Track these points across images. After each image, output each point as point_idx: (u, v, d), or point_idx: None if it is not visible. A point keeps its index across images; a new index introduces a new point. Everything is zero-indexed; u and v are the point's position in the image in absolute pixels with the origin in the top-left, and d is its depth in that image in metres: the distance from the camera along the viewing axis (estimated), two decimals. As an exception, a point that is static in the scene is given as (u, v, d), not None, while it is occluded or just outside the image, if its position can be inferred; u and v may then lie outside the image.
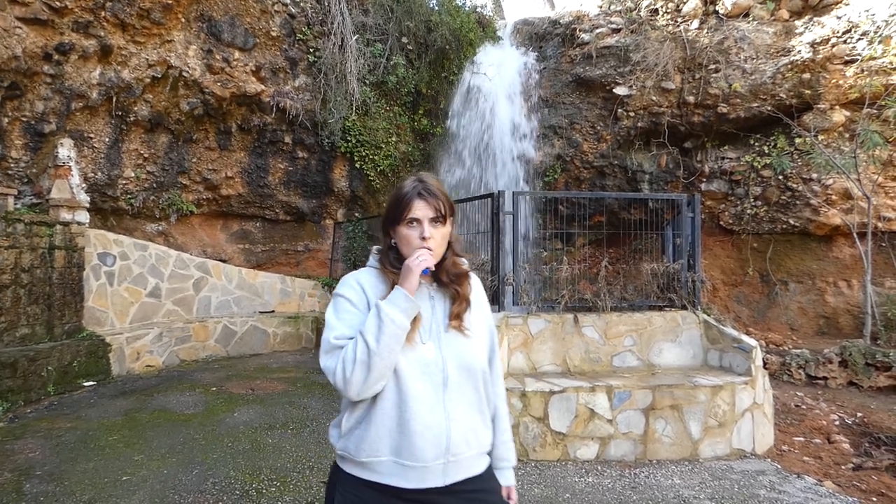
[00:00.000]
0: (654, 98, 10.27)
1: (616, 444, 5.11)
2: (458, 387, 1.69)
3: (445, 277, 1.79)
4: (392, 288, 1.67)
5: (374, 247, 1.90)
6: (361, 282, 1.76)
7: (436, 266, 1.74)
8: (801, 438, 5.95)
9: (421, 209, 1.69)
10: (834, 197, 9.31)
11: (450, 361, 1.69)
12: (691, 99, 10.02)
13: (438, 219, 1.71)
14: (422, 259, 1.64)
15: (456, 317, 1.75)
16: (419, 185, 1.72)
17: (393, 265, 1.76)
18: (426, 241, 1.67)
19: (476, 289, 1.89)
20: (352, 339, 1.62)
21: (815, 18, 9.20)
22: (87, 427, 5.61)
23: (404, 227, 1.70)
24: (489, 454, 1.83)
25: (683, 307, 6.34)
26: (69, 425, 5.65)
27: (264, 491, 4.25)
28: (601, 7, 11.64)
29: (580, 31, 11.05)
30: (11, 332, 6.47)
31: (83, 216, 7.82)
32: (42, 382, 6.53)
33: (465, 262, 1.87)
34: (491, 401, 1.84)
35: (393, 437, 1.62)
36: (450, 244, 1.79)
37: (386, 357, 1.57)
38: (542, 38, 12.10)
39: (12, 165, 7.77)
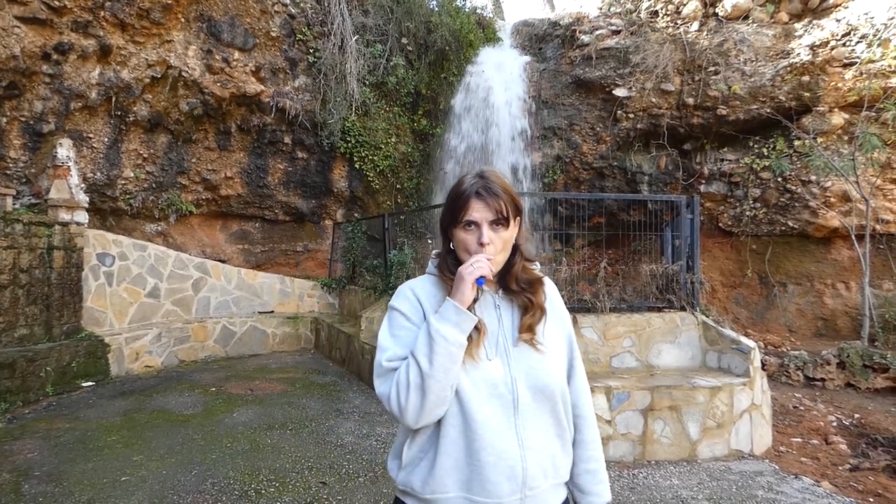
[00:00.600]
0: (653, 100, 10.28)
1: (615, 444, 5.12)
2: (531, 409, 1.50)
3: (515, 285, 1.61)
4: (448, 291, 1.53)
5: (434, 251, 1.73)
6: (417, 291, 1.61)
7: (502, 272, 1.61)
8: (799, 439, 5.96)
9: (479, 211, 1.51)
10: (832, 199, 9.33)
11: (520, 380, 1.50)
12: (691, 101, 10.04)
13: (500, 221, 1.53)
14: (477, 266, 1.47)
15: (527, 329, 1.56)
16: (478, 183, 1.54)
17: (451, 271, 1.57)
18: (484, 248, 1.50)
19: (552, 296, 1.71)
20: (405, 359, 1.48)
21: (815, 21, 9.22)
22: (86, 428, 5.61)
23: (461, 231, 1.54)
24: (567, 484, 1.64)
25: (682, 308, 6.35)
26: (68, 426, 5.65)
27: (263, 491, 4.25)
28: (601, 9, 11.65)
29: (580, 32, 11.06)
30: (10, 332, 6.46)
31: (82, 216, 7.82)
32: (41, 383, 6.52)
33: (537, 266, 1.71)
34: (571, 422, 1.63)
35: (461, 470, 1.44)
36: (517, 248, 1.62)
37: (441, 379, 1.41)
38: (541, 39, 12.12)
39: (11, 165, 7.77)
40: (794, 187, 9.60)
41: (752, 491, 4.45)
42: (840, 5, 8.98)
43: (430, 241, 9.30)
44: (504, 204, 1.52)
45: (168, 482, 4.37)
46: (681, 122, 10.33)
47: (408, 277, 8.33)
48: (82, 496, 4.10)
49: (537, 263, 1.73)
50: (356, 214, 11.60)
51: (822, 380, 7.86)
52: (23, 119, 7.67)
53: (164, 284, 9.16)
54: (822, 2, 9.16)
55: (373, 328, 8.19)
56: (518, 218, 1.60)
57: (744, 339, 5.87)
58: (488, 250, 1.50)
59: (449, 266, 1.60)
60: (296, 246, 11.80)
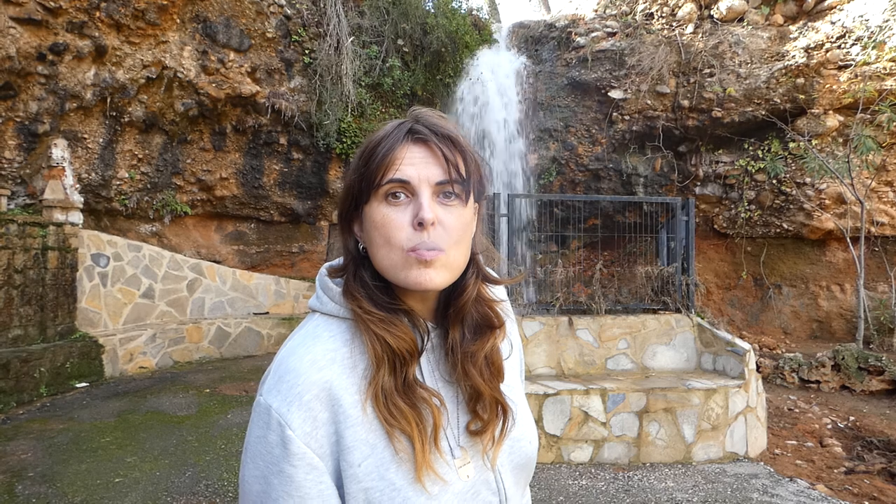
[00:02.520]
0: (648, 102, 10.30)
1: (610, 446, 5.12)
2: (515, 498, 0.97)
3: (463, 322, 0.93)
4: (380, 374, 0.84)
5: (323, 268, 0.99)
6: (334, 391, 0.83)
7: (446, 295, 0.93)
8: (794, 442, 5.97)
9: (415, 164, 0.84)
10: (827, 201, 9.36)
11: (504, 469, 0.94)
12: (686, 103, 10.06)
13: (452, 186, 0.85)
14: (426, 261, 0.82)
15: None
16: (408, 123, 0.89)
17: (375, 300, 0.88)
18: (425, 231, 0.82)
19: (510, 326, 1.07)
20: None
21: (810, 23, 9.26)
22: (80, 429, 5.59)
23: (380, 206, 0.85)
24: None
25: (677, 310, 6.36)
26: (62, 427, 5.63)
27: (257, 493, 4.23)
28: (597, 11, 11.68)
29: (576, 34, 11.08)
30: (4, 333, 6.44)
31: (77, 217, 7.80)
32: (34, 384, 6.49)
33: (493, 289, 1.02)
34: None
35: None
36: (472, 257, 0.93)
37: None
38: (537, 41, 12.13)
39: (5, 166, 7.74)
40: (788, 189, 9.63)
41: (747, 494, 4.46)
42: (835, 8, 9.02)
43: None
44: (461, 158, 0.87)
45: (162, 484, 4.36)
46: (676, 124, 10.35)
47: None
48: (76, 497, 4.09)
49: (502, 288, 1.08)
50: (352, 215, 11.57)
51: (817, 382, 7.89)
52: (17, 119, 7.65)
53: (158, 285, 9.13)
54: (816, 4, 9.20)
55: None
56: (478, 203, 0.94)
57: (739, 341, 5.88)
58: (433, 235, 0.82)
59: (369, 291, 0.89)
60: (291, 247, 11.78)
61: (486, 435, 0.91)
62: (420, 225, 0.81)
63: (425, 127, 0.87)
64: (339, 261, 0.98)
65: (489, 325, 0.95)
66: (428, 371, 0.91)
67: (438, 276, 0.83)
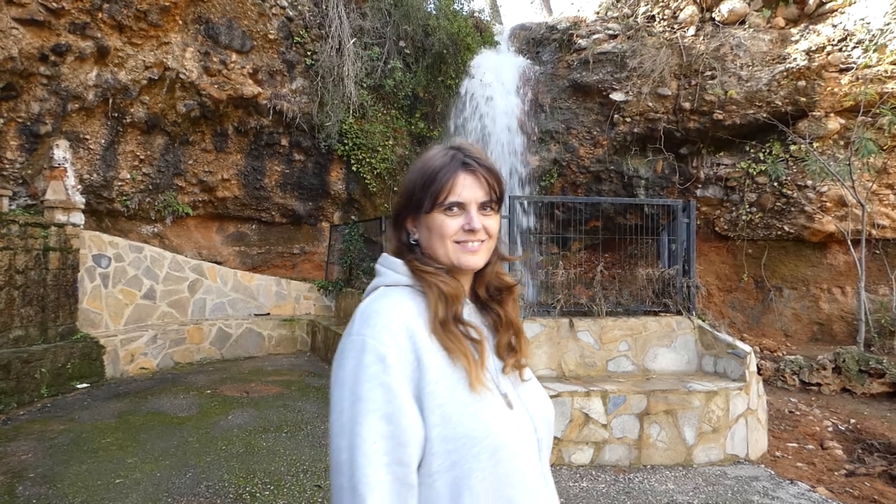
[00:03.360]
0: (650, 104, 10.30)
1: (610, 448, 5.12)
2: (547, 453, 1.25)
3: (485, 293, 1.30)
4: (438, 308, 1.14)
5: (381, 256, 1.30)
6: (410, 325, 1.10)
7: (475, 275, 1.28)
8: (795, 444, 5.97)
9: (468, 188, 1.19)
10: (828, 204, 9.36)
11: (535, 416, 1.20)
12: (687, 105, 10.06)
13: (490, 204, 1.22)
14: (473, 251, 1.19)
15: (509, 350, 1.25)
16: (459, 154, 1.21)
17: (428, 265, 1.21)
18: (473, 235, 1.19)
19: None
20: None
21: (811, 26, 9.26)
22: (81, 429, 5.59)
23: (439, 215, 1.19)
24: None
25: (678, 312, 6.36)
26: (62, 427, 5.63)
27: (258, 494, 4.24)
28: (598, 13, 11.69)
29: (577, 36, 11.08)
30: (5, 333, 6.44)
31: (78, 218, 7.81)
32: (35, 384, 6.50)
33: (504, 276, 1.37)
34: None
35: None
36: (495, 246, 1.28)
37: None
38: (539, 43, 12.14)
39: (7, 166, 7.75)
40: (790, 192, 9.63)
41: (748, 496, 4.45)
42: (836, 11, 9.02)
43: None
44: (496, 181, 1.23)
45: (162, 485, 4.36)
46: (677, 126, 10.35)
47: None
48: (76, 498, 4.09)
49: (516, 274, 1.45)
50: (353, 217, 11.60)
51: (818, 384, 7.88)
52: (20, 120, 7.66)
53: (159, 286, 9.14)
54: (818, 7, 9.21)
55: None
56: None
57: (739, 344, 5.88)
58: (478, 235, 1.20)
59: (421, 260, 1.23)
60: (292, 248, 11.79)
61: (514, 361, 1.23)
62: (470, 231, 1.18)
63: (473, 160, 1.20)
64: (382, 255, 1.30)
65: (506, 286, 1.32)
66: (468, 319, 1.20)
67: (480, 260, 1.21)
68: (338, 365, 1.06)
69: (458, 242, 1.19)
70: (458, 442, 1.04)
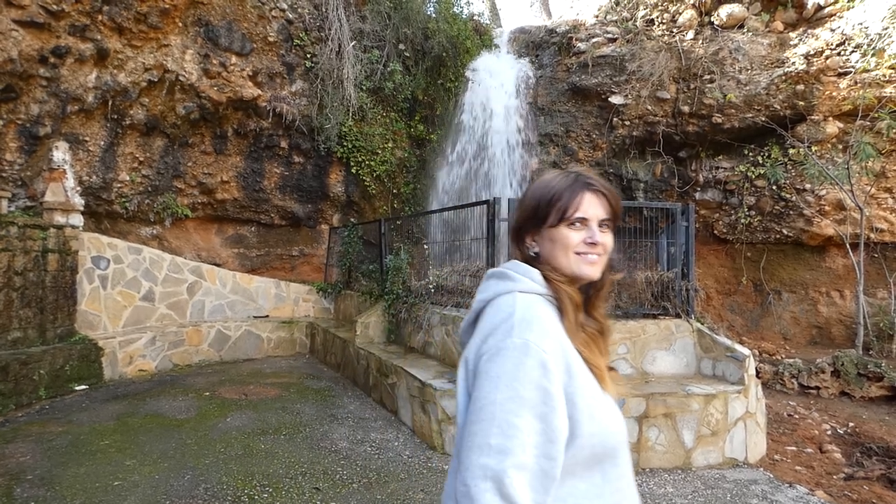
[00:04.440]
0: (649, 107, 10.32)
1: (609, 452, 5.10)
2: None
3: (594, 309, 1.42)
4: (574, 316, 1.29)
5: (512, 263, 1.40)
6: (560, 332, 1.24)
7: (585, 289, 1.39)
8: (794, 448, 5.97)
9: (593, 206, 1.34)
10: (827, 208, 9.37)
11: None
12: (686, 109, 10.08)
13: (608, 222, 1.37)
14: (592, 263, 1.33)
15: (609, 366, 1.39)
16: (582, 177, 1.37)
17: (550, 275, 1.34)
18: (595, 247, 1.33)
19: None
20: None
21: (810, 31, 9.28)
22: (79, 431, 5.58)
23: (565, 229, 1.33)
24: None
25: (677, 315, 6.36)
26: (61, 429, 5.62)
27: (256, 497, 4.23)
28: (597, 17, 11.71)
29: (576, 40, 11.10)
30: (3, 335, 6.43)
31: (77, 219, 7.80)
32: (34, 386, 6.49)
33: None
34: None
35: None
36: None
37: None
38: (538, 46, 12.16)
39: (6, 168, 7.75)
40: (788, 195, 9.64)
41: (747, 500, 4.45)
42: (835, 15, 9.04)
43: (426, 247, 9.28)
44: (616, 202, 1.39)
45: (161, 487, 4.35)
46: (676, 129, 10.37)
47: (404, 283, 8.37)
48: (74, 500, 4.08)
49: None
50: (352, 219, 11.60)
51: (817, 388, 7.88)
52: (19, 122, 7.66)
53: (158, 288, 9.13)
54: (816, 11, 9.23)
55: (368, 333, 8.19)
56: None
57: (738, 347, 5.88)
58: (596, 248, 1.34)
59: (552, 272, 1.34)
60: (291, 250, 11.79)
61: (607, 362, 1.35)
62: (592, 244, 1.32)
63: (595, 182, 1.35)
64: (509, 263, 1.41)
65: (602, 307, 1.44)
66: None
67: (597, 271, 1.35)
68: (493, 361, 1.14)
69: (578, 254, 1.33)
70: (602, 436, 1.19)
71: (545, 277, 1.32)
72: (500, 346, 1.15)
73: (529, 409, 1.07)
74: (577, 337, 1.27)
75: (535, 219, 1.37)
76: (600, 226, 1.35)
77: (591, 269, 1.34)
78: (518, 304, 1.23)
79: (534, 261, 1.37)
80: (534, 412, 1.08)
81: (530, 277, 1.32)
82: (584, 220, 1.33)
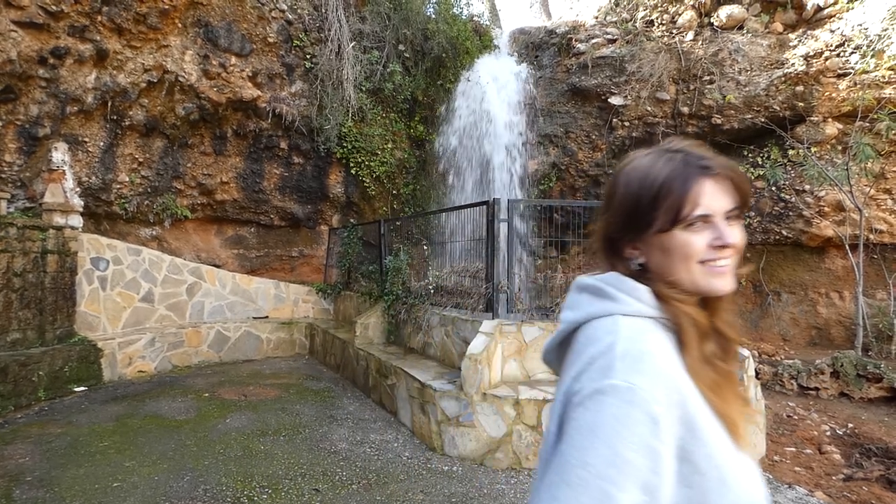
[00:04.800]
0: (648, 108, 10.33)
1: (609, 453, 5.10)
2: None
3: (722, 323, 1.08)
4: (699, 348, 1.00)
5: (612, 276, 1.08)
6: (677, 372, 0.93)
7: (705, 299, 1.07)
8: (793, 449, 5.96)
9: (716, 197, 1.02)
10: (826, 209, 9.37)
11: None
12: (685, 110, 10.09)
13: (735, 212, 1.05)
14: (722, 273, 1.03)
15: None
16: (691, 157, 1.04)
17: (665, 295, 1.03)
18: (724, 251, 1.02)
19: None
20: None
21: (809, 32, 9.28)
22: (78, 433, 5.58)
23: (681, 233, 1.02)
24: None
25: (677, 317, 6.35)
26: (60, 431, 5.62)
27: (255, 498, 4.23)
28: (597, 17, 11.71)
29: (576, 41, 11.11)
30: (2, 336, 6.43)
31: (76, 220, 7.80)
32: (33, 387, 6.49)
33: None
34: None
35: None
36: None
37: None
38: (538, 47, 12.16)
39: (6, 169, 7.74)
40: (788, 196, 9.64)
41: (746, 500, 4.44)
42: (834, 16, 9.05)
43: (425, 248, 9.29)
44: (742, 182, 1.05)
45: (160, 488, 4.35)
46: (676, 130, 10.37)
47: (403, 283, 8.37)
48: (74, 502, 4.08)
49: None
50: (352, 220, 11.60)
51: (816, 389, 7.88)
52: (18, 123, 7.65)
53: (158, 289, 9.13)
54: (816, 12, 9.23)
55: (367, 334, 8.19)
56: None
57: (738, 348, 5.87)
58: (727, 252, 1.03)
59: (668, 289, 1.04)
60: (291, 251, 11.79)
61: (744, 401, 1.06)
62: (721, 247, 1.02)
63: (710, 162, 1.03)
64: (597, 276, 1.10)
65: (732, 321, 1.10)
66: None
67: (730, 281, 1.04)
68: (587, 408, 0.87)
69: (703, 263, 1.02)
70: None
71: (658, 296, 1.02)
72: (596, 388, 0.88)
73: (633, 477, 0.81)
74: (703, 376, 0.96)
75: (636, 222, 1.05)
76: (727, 218, 1.03)
77: (723, 280, 1.02)
78: (621, 333, 0.95)
79: (639, 274, 1.07)
80: (639, 482, 0.81)
81: (636, 297, 1.02)
82: (706, 218, 1.01)
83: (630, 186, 1.05)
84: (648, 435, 0.83)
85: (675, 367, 0.93)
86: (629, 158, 1.11)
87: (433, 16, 11.65)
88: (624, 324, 0.97)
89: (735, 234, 1.03)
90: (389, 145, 11.38)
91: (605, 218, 1.12)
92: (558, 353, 1.11)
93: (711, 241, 1.01)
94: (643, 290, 1.02)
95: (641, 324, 0.98)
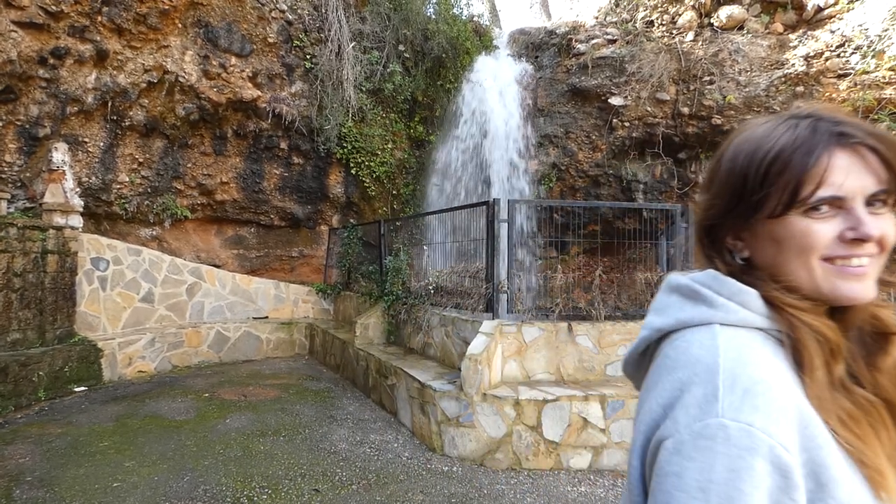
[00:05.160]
0: (648, 109, 10.32)
1: (609, 453, 5.11)
2: None
3: (868, 335, 0.85)
4: (826, 370, 0.77)
5: (709, 275, 0.86)
6: (800, 402, 0.72)
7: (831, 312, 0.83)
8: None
9: (853, 173, 0.78)
10: (826, 209, 9.36)
11: None
12: (686, 110, 10.08)
13: (884, 196, 0.79)
14: (858, 275, 0.79)
15: None
16: (824, 123, 0.81)
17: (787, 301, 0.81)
18: (861, 246, 0.78)
19: None
20: None
21: (809, 32, 9.28)
22: (78, 433, 5.58)
23: (800, 218, 0.79)
24: None
25: (677, 317, 6.35)
26: (60, 431, 5.62)
27: (255, 498, 4.23)
28: (597, 18, 11.71)
29: (576, 41, 11.10)
30: (3, 336, 6.43)
31: (76, 221, 7.80)
32: (33, 388, 6.48)
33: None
34: None
35: None
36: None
37: None
38: (538, 47, 12.16)
39: (6, 169, 7.74)
40: (788, 197, 9.64)
41: (746, 500, 4.44)
42: (835, 17, 9.05)
43: (425, 248, 9.28)
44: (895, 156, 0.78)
45: (160, 488, 4.35)
46: (676, 131, 10.37)
47: (403, 284, 8.37)
48: (74, 502, 4.08)
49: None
50: (352, 220, 11.60)
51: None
52: (18, 123, 7.65)
53: (158, 289, 9.13)
54: (816, 13, 9.23)
55: (367, 334, 8.19)
56: None
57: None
58: (866, 247, 0.78)
59: (783, 293, 0.81)
60: (291, 251, 11.79)
61: None
62: (856, 241, 0.77)
63: (851, 128, 0.79)
64: (691, 275, 0.89)
65: (886, 328, 0.84)
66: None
67: (871, 289, 0.79)
68: (687, 457, 0.68)
69: (829, 260, 0.79)
70: None
71: (768, 301, 0.81)
72: (699, 431, 0.68)
73: None
74: (833, 407, 0.74)
75: (741, 205, 0.84)
76: (870, 204, 0.78)
77: (857, 285, 0.79)
78: (723, 350, 0.74)
79: (743, 273, 0.85)
80: None
81: (741, 302, 0.80)
82: (838, 201, 0.78)
83: (736, 160, 0.84)
84: (778, 492, 0.64)
85: (797, 398, 0.72)
86: (744, 126, 0.89)
87: (433, 16, 11.64)
88: (724, 337, 0.77)
89: (880, 225, 0.77)
90: (389, 146, 11.38)
91: (705, 200, 0.90)
92: (639, 365, 0.92)
93: (843, 231, 0.78)
94: (750, 294, 0.81)
95: (746, 337, 0.77)
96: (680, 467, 0.67)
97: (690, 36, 10.21)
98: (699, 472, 0.66)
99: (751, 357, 0.73)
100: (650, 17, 10.75)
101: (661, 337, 0.85)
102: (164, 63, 8.60)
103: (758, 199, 0.81)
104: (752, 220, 0.83)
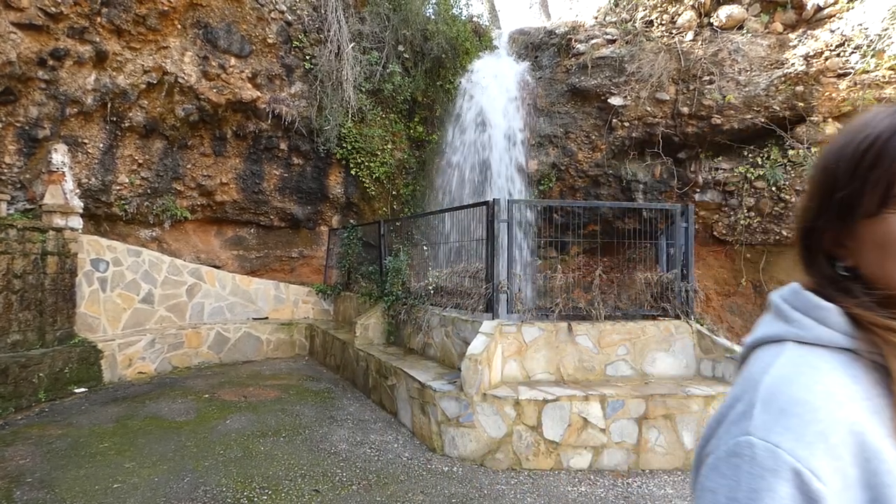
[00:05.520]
0: (648, 109, 10.32)
1: (609, 453, 5.11)
2: None
3: None
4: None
5: (791, 289, 0.83)
6: (862, 432, 0.65)
7: None
8: None
9: None
10: (826, 208, 9.36)
11: None
12: (685, 110, 10.08)
13: None
14: None
15: None
16: None
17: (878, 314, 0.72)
18: None
19: None
20: None
21: (809, 32, 9.28)
22: (78, 434, 5.57)
23: None
24: None
25: (677, 317, 6.36)
26: (60, 432, 5.62)
27: (256, 499, 4.23)
28: (597, 18, 11.71)
29: (575, 41, 11.10)
30: (3, 338, 6.43)
31: (76, 222, 7.80)
32: (33, 389, 6.48)
33: None
34: None
35: None
36: None
37: None
38: (537, 47, 12.16)
39: (5, 171, 7.74)
40: (788, 197, 9.63)
41: (747, 500, 4.44)
42: (834, 16, 9.04)
43: (425, 249, 9.29)
44: None
45: (160, 489, 4.35)
46: (675, 130, 10.37)
47: (403, 284, 8.37)
48: (74, 503, 4.08)
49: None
50: (352, 220, 11.60)
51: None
52: (18, 124, 7.66)
53: (158, 290, 9.12)
54: (816, 12, 9.23)
55: (367, 334, 8.19)
56: None
57: (738, 348, 5.87)
58: None
59: (864, 302, 0.73)
60: (291, 252, 11.79)
61: None
62: None
63: None
64: (786, 290, 0.83)
65: None
66: None
67: None
68: (722, 473, 0.66)
69: None
70: None
71: (860, 320, 0.72)
72: (731, 448, 0.67)
73: None
74: None
75: (834, 203, 0.76)
76: None
77: None
78: (775, 367, 0.71)
79: (841, 284, 0.77)
80: None
81: (820, 319, 0.74)
82: None
83: (830, 153, 0.77)
84: None
85: (856, 425, 0.64)
86: (852, 119, 0.81)
87: (433, 16, 11.65)
88: (789, 355, 0.72)
89: None
90: (389, 146, 11.38)
91: (801, 201, 0.82)
92: None
93: None
94: (829, 310, 0.74)
95: (817, 357, 0.71)
96: (715, 484, 0.66)
97: (690, 35, 10.21)
98: (728, 489, 0.64)
99: (803, 377, 0.68)
100: (650, 16, 10.75)
101: (749, 353, 0.82)
102: (163, 64, 8.60)
103: (850, 196, 0.73)
104: (852, 221, 0.74)
